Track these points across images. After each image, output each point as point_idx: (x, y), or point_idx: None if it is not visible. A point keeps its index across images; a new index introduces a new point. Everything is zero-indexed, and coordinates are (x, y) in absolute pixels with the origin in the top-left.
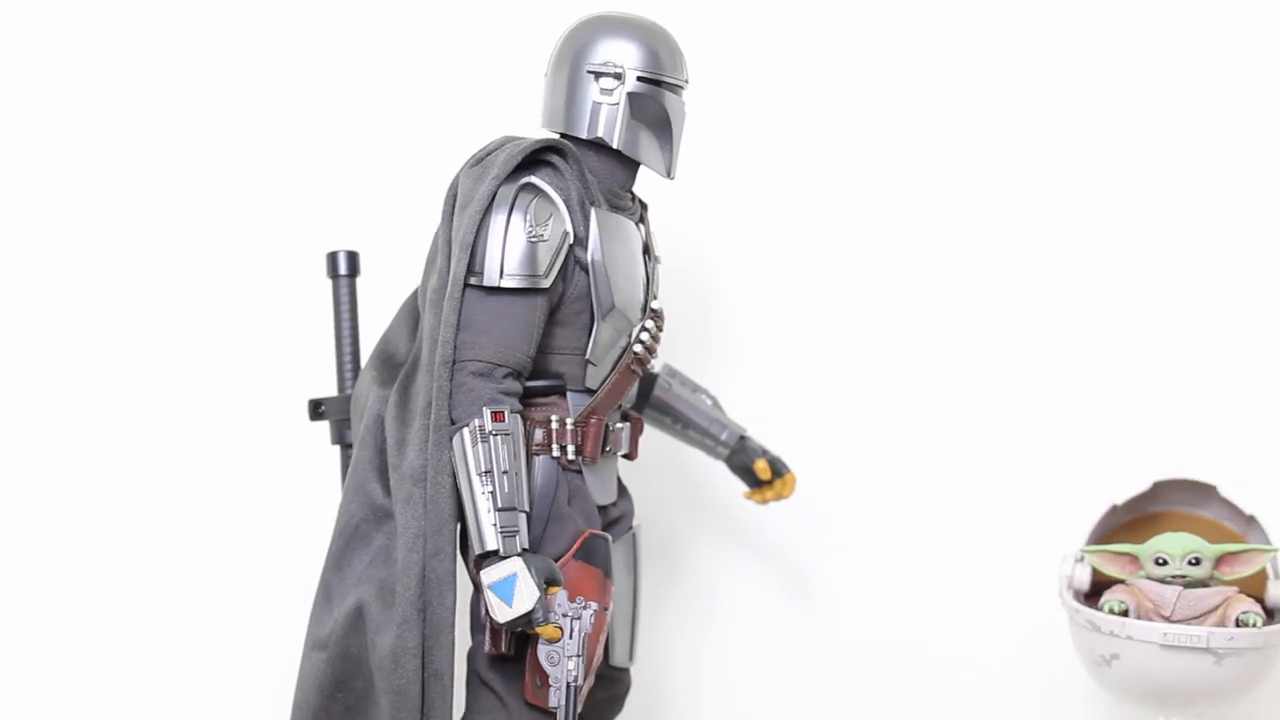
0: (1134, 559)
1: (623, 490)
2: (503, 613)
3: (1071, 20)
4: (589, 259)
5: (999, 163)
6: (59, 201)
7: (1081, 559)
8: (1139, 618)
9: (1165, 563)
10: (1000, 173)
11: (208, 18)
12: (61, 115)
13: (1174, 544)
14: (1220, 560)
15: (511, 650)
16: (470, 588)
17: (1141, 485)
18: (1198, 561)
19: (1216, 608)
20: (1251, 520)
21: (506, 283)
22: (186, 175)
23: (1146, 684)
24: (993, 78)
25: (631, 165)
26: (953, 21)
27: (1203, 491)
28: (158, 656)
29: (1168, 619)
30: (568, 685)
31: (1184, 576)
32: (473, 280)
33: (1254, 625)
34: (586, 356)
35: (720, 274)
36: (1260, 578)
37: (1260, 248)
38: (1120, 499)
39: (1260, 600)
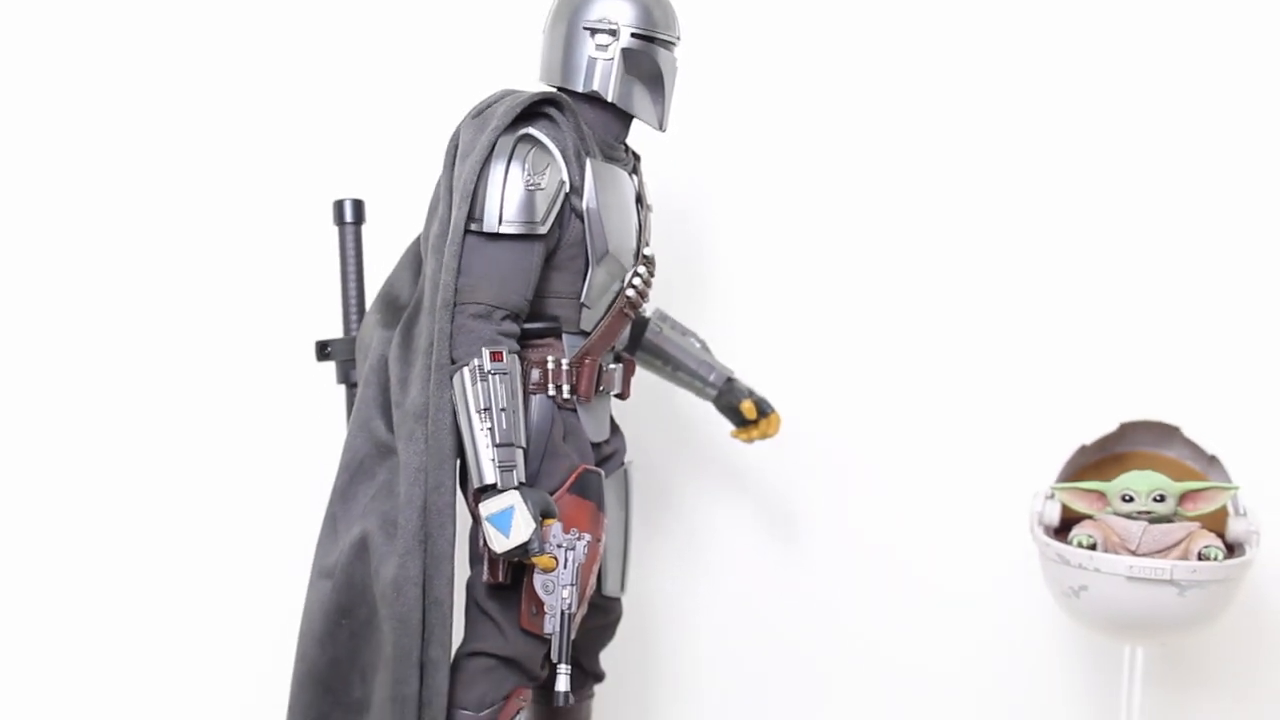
0: (1102, 496)
1: (615, 428)
2: (500, 543)
3: None
4: (584, 207)
5: (977, 119)
6: (81, 153)
7: (1052, 496)
8: (1106, 551)
9: (1131, 499)
10: (979, 129)
11: None
12: (73, 70)
13: (1140, 481)
14: (1184, 497)
15: (508, 579)
16: (469, 520)
17: (1109, 426)
18: (1162, 498)
19: (1180, 542)
20: (1213, 460)
21: (505, 229)
22: (204, 129)
23: (1113, 614)
24: (978, 35)
25: (625, 118)
26: None
27: (1167, 433)
28: (171, 584)
29: (1133, 552)
30: (562, 613)
31: (1149, 512)
32: (473, 227)
33: (1215, 559)
34: (581, 300)
35: (710, 222)
36: (1221, 514)
37: (1221, 205)
38: (1089, 439)
39: (1221, 535)
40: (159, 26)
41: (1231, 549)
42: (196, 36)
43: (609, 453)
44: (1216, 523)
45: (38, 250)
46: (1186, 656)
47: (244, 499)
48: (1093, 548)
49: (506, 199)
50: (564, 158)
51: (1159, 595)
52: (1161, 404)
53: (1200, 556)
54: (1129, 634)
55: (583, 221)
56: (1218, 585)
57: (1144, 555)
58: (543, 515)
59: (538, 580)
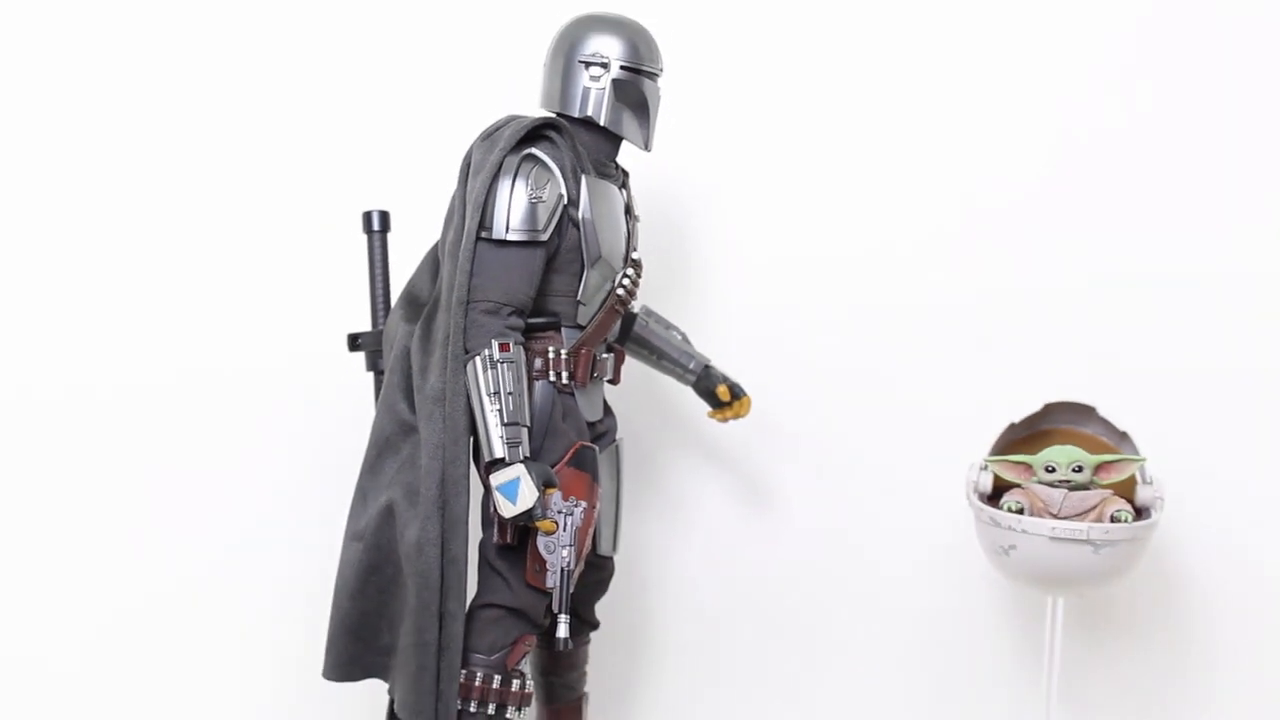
0: (1028, 467)
1: (608, 409)
2: (508, 509)
3: None
4: (580, 217)
5: (910, 124)
6: (143, 167)
7: (985, 467)
8: (1032, 515)
9: (1054, 470)
10: (915, 134)
11: (257, 17)
12: (122, 87)
13: (1061, 455)
14: (1099, 468)
15: (515, 541)
16: (482, 489)
17: (1034, 406)
18: (1080, 469)
19: (1095, 507)
20: (1124, 435)
21: (511, 237)
22: (262, 156)
23: (1038, 570)
24: (934, 29)
25: (615, 140)
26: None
27: (1084, 412)
28: (227, 546)
29: (1055, 516)
30: (562, 570)
31: (1069, 481)
32: (483, 235)
33: (1125, 521)
34: (578, 298)
35: (690, 230)
36: (1131, 482)
37: (1130, 212)
38: (1017, 418)
39: (1131, 501)
40: (222, 57)
41: (1139, 512)
42: (258, 73)
43: (602, 431)
44: (1126, 490)
45: (126, 253)
46: (1100, 606)
47: (286, 471)
48: (1020, 512)
49: (513, 211)
50: (562, 174)
51: (1077, 553)
52: (1080, 387)
53: (1112, 519)
54: (1051, 587)
55: (579, 230)
56: (1127, 544)
57: (1064, 518)
58: (545, 485)
59: (541, 541)
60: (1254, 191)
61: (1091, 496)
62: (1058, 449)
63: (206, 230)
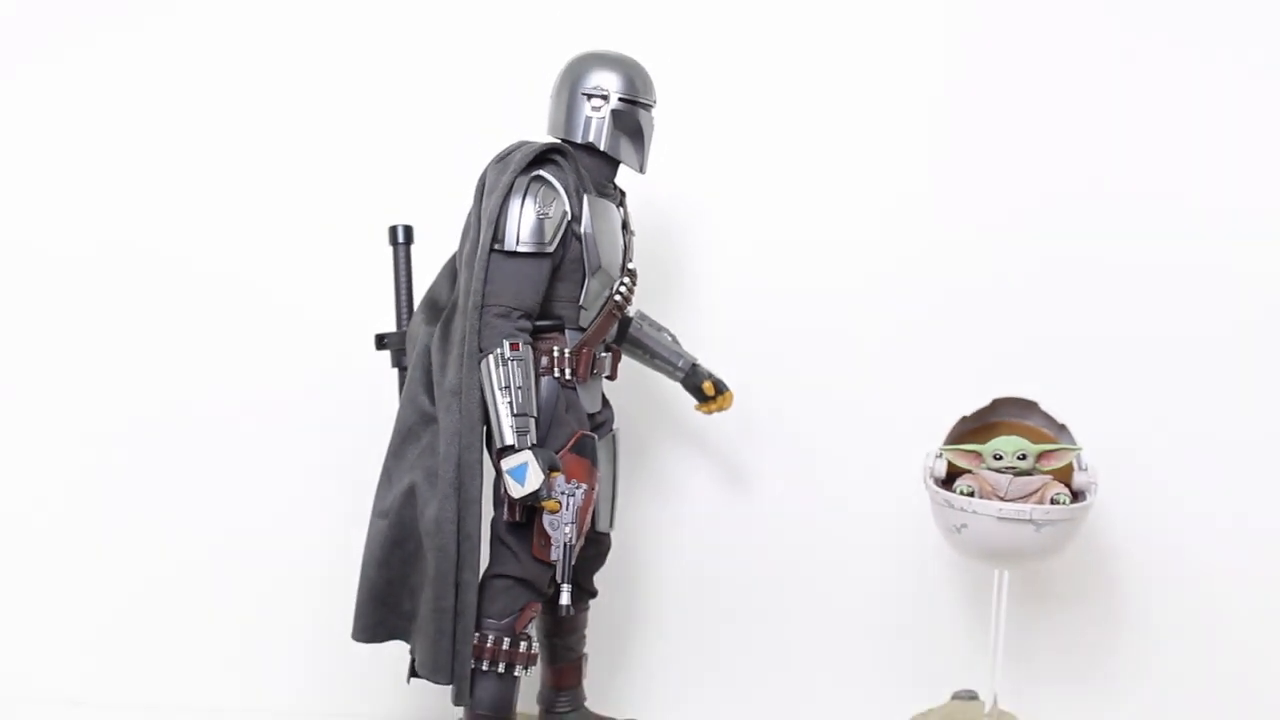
0: (978, 455)
1: (606, 402)
2: (517, 491)
3: None
4: (582, 231)
5: (863, 129)
6: (180, 170)
7: (940, 455)
8: (981, 498)
9: (1001, 458)
10: (868, 139)
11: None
12: (152, 95)
13: (1008, 444)
14: (1040, 456)
15: (523, 519)
16: (494, 473)
17: (983, 401)
18: (1024, 457)
19: (1036, 491)
20: (1063, 427)
21: (521, 249)
22: (305, 175)
23: (986, 547)
24: (898, 41)
25: (614, 163)
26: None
27: (1028, 406)
28: (264, 524)
29: (1002, 499)
30: (564, 544)
31: (1014, 468)
32: (496, 246)
33: (1064, 503)
34: (580, 303)
35: (680, 244)
36: (1069, 469)
37: (1072, 218)
38: (968, 411)
39: (1069, 485)
40: (270, 88)
41: (1076, 495)
42: (303, 105)
43: (601, 421)
44: (1064, 476)
45: (189, 263)
46: (1041, 578)
47: (320, 455)
48: (971, 495)
49: (523, 225)
50: (567, 194)
51: (1021, 531)
52: (1024, 384)
53: (1052, 501)
54: (998, 561)
55: (581, 243)
56: (1065, 524)
57: (1010, 500)
58: (550, 469)
59: (546, 519)
60: (1193, 188)
61: (1034, 481)
62: (1005, 439)
63: (260, 243)
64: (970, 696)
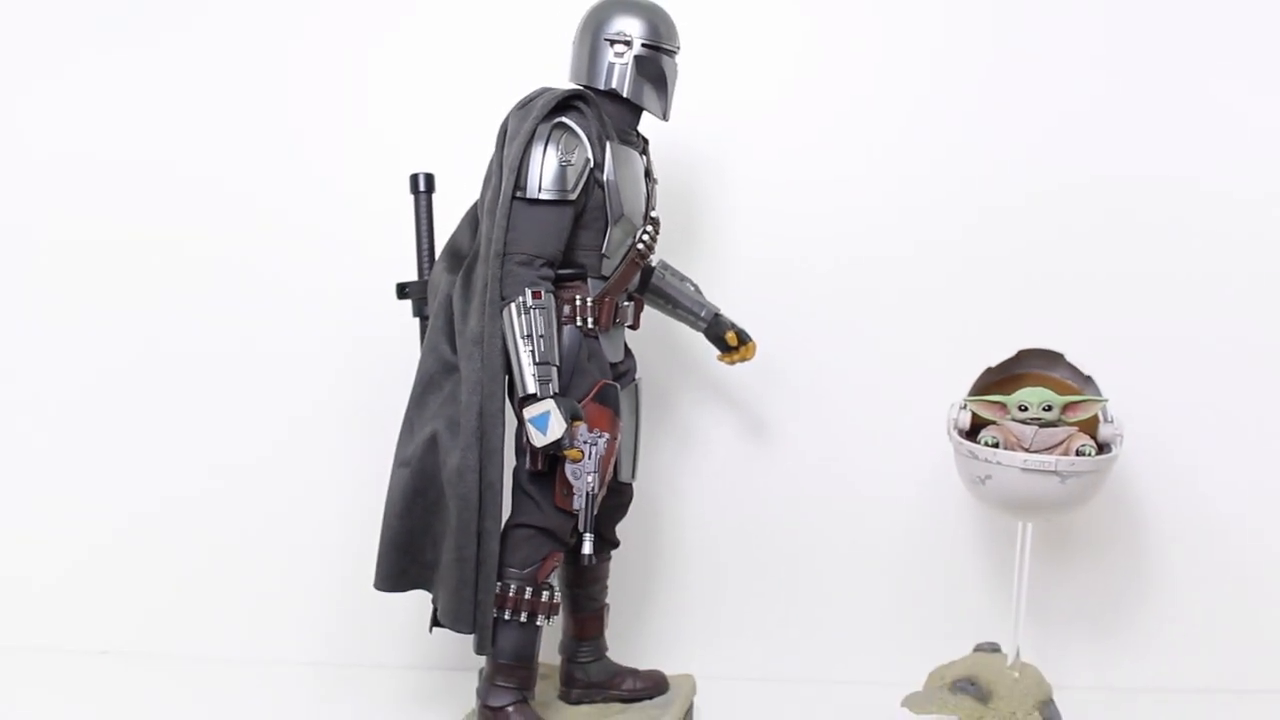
0: (1003, 406)
1: (628, 352)
2: (539, 440)
3: None
4: (604, 179)
5: (910, 99)
6: (195, 132)
7: (964, 406)
8: (1006, 449)
9: (1026, 409)
10: (913, 106)
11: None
12: (163, 59)
13: (1033, 395)
14: (1066, 408)
15: (546, 468)
16: (516, 421)
17: (1009, 352)
18: (1049, 408)
19: (1062, 442)
20: (1089, 379)
21: (543, 196)
22: (331, 127)
23: (1010, 498)
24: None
25: (637, 110)
26: None
27: (1054, 358)
28: (288, 472)
29: (1027, 450)
30: (587, 494)
31: (1039, 419)
32: (518, 194)
33: (1089, 454)
34: (602, 252)
35: (704, 191)
36: (1094, 421)
37: (1099, 181)
38: (994, 363)
39: (1094, 437)
40: (296, 48)
41: (1101, 448)
42: (327, 61)
43: (623, 370)
44: (1090, 428)
45: (182, 220)
46: (1064, 529)
47: (342, 404)
48: (996, 446)
49: (545, 173)
50: (589, 141)
51: (1045, 483)
52: (1050, 335)
53: (1078, 453)
54: (1021, 513)
55: (603, 191)
56: (1090, 475)
57: (1035, 452)
58: (572, 418)
59: (568, 468)
60: (1209, 156)
61: (1059, 433)
62: (1030, 390)
63: (282, 193)
64: (993, 649)
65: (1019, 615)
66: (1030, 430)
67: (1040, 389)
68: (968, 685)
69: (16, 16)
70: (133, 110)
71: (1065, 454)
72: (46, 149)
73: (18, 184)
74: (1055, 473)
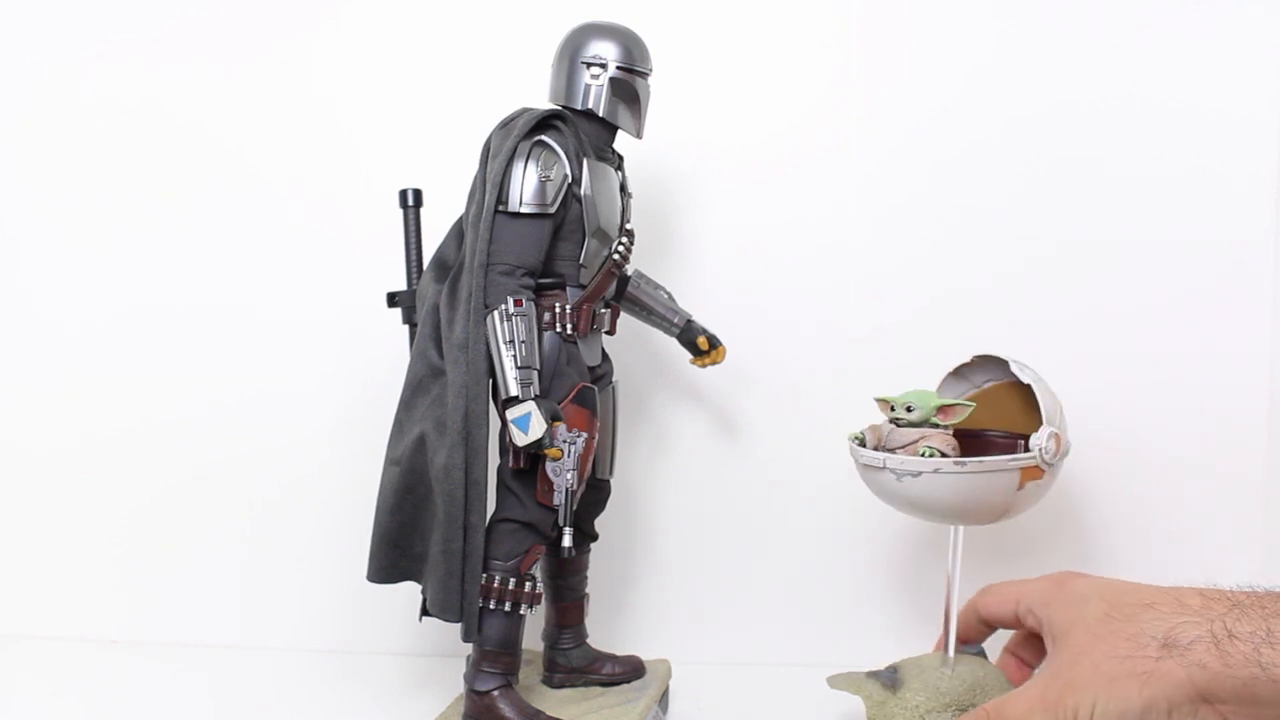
0: (890, 405)
1: (605, 356)
2: (521, 439)
3: None
4: (582, 193)
5: (855, 96)
6: (195, 141)
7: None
8: (875, 448)
9: (893, 409)
10: (862, 105)
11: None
12: (166, 70)
13: (905, 396)
14: (940, 409)
15: (528, 466)
16: (499, 422)
17: (966, 357)
18: (911, 409)
19: (912, 442)
20: (1028, 385)
21: (524, 210)
22: (326, 143)
23: (876, 492)
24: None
25: (612, 129)
26: None
27: (1000, 363)
28: (284, 470)
29: (879, 448)
30: (566, 490)
31: (899, 419)
32: (501, 208)
33: (926, 455)
34: (580, 262)
35: (675, 205)
36: (1037, 420)
37: (1050, 195)
38: (952, 367)
39: (1025, 440)
40: (290, 59)
41: (1037, 452)
42: (320, 78)
43: (601, 374)
44: (1028, 428)
45: (191, 221)
46: (1001, 531)
47: (334, 407)
48: (862, 443)
49: (525, 188)
50: (567, 157)
51: (882, 478)
52: (1014, 340)
53: (920, 454)
54: (901, 509)
55: (581, 204)
56: (928, 477)
57: (880, 450)
58: (552, 419)
59: (549, 466)
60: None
61: (912, 433)
62: (916, 392)
63: (279, 210)
64: (977, 651)
65: (951, 614)
66: (888, 428)
67: (922, 391)
68: (888, 673)
69: None
70: (125, 120)
71: (911, 454)
72: (45, 151)
73: (17, 184)
74: (886, 469)
